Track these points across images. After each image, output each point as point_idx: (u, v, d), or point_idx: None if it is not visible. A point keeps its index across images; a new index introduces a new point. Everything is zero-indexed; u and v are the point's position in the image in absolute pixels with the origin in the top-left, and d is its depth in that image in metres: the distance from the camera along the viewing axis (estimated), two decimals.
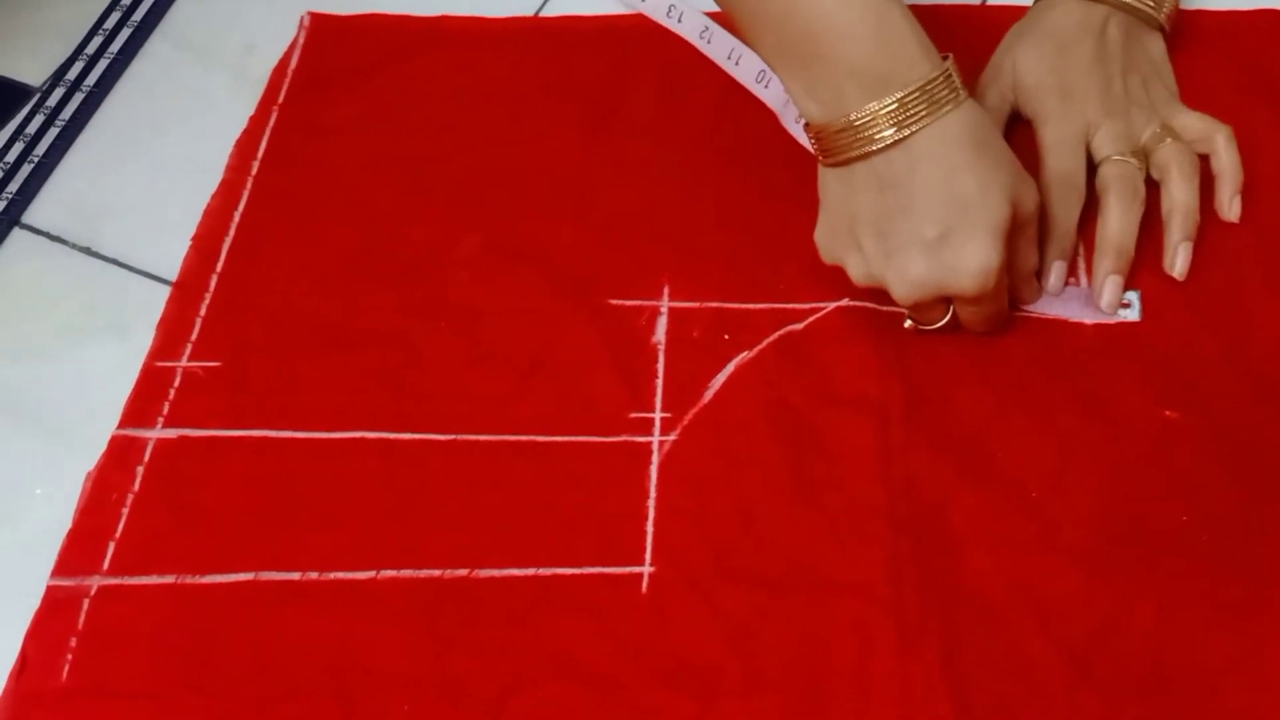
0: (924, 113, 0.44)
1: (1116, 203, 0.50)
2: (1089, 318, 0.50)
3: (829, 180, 0.47)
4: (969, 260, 0.44)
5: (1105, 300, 0.49)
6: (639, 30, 0.61)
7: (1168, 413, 0.47)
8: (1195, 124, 0.53)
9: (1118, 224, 0.50)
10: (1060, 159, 0.51)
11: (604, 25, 0.61)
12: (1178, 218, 0.50)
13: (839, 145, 0.45)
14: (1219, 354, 0.48)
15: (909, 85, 0.44)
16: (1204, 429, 0.47)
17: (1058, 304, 0.50)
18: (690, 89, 0.58)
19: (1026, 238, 0.48)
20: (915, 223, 0.44)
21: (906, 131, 0.44)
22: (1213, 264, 0.51)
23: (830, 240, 0.48)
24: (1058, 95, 0.52)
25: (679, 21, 0.60)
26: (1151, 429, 0.47)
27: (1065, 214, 0.50)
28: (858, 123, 0.44)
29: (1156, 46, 0.55)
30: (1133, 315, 0.50)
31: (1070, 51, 0.53)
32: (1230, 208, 0.52)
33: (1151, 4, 0.54)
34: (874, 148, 0.44)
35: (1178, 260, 0.50)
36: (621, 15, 0.61)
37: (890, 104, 0.44)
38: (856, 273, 0.47)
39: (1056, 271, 0.50)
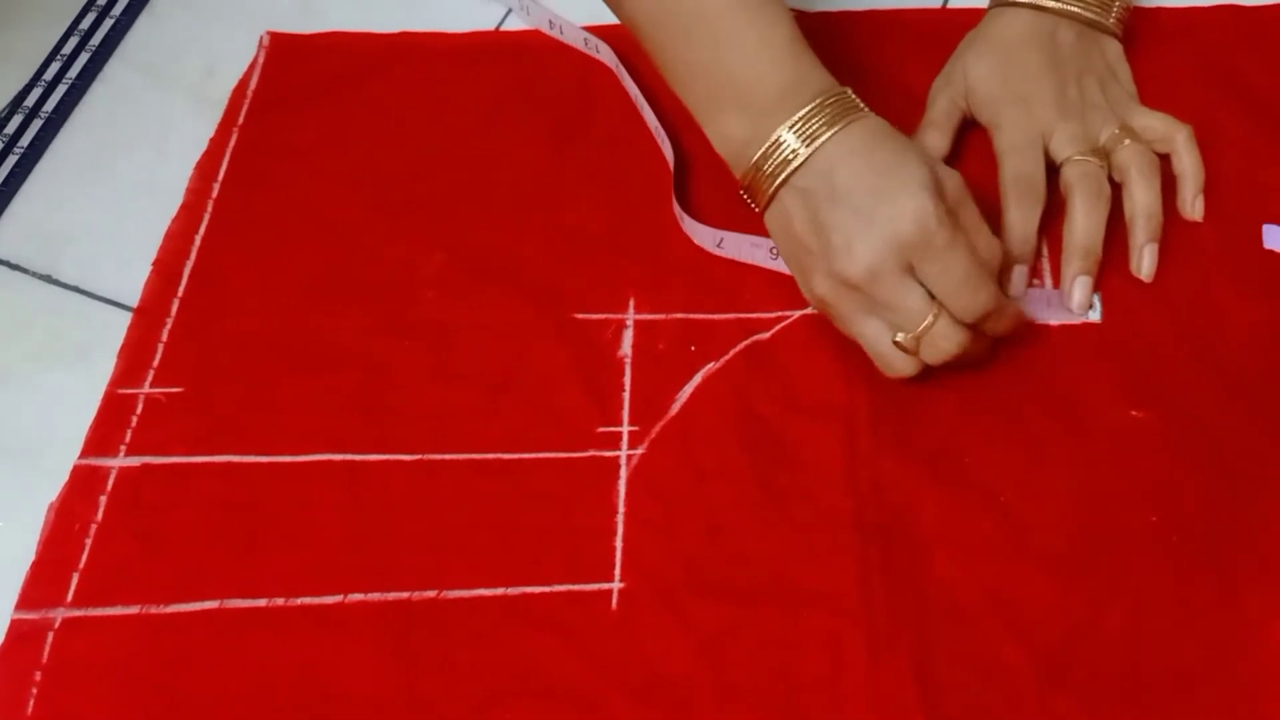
0: (826, 124, 0.45)
1: (1082, 203, 0.50)
2: (1053, 319, 0.50)
3: (774, 234, 0.48)
4: (905, 205, 0.43)
5: (1075, 301, 0.49)
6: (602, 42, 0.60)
7: (1135, 413, 0.47)
8: (1155, 124, 0.53)
9: (1084, 225, 0.50)
10: (1017, 163, 0.51)
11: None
12: (1141, 220, 0.50)
13: (760, 179, 0.46)
14: (1184, 352, 0.48)
15: (810, 103, 0.46)
16: (1171, 428, 0.47)
17: (1021, 306, 0.50)
18: (654, 101, 0.58)
19: (968, 216, 0.46)
20: (845, 203, 0.45)
21: (815, 144, 0.45)
22: (1176, 262, 0.51)
23: (801, 282, 0.48)
24: (1011, 102, 0.52)
25: (560, 33, 0.61)
26: (1119, 429, 0.47)
27: (1024, 217, 0.50)
28: (769, 147, 0.46)
29: (1112, 49, 0.55)
30: (1095, 316, 0.50)
31: (1021, 58, 0.53)
32: (1193, 207, 0.52)
33: (1098, 8, 0.54)
34: (791, 168, 0.46)
35: (1144, 263, 0.50)
36: (584, 28, 0.61)
37: (795, 120, 0.45)
38: (823, 289, 0.46)
39: (1018, 274, 0.50)
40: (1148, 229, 0.50)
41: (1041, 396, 0.48)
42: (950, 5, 0.61)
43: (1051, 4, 0.54)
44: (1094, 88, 0.53)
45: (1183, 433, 0.46)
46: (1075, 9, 0.54)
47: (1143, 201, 0.50)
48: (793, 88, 0.46)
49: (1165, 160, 0.52)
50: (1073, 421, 0.47)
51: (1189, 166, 0.52)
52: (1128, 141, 0.51)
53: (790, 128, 0.45)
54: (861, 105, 0.46)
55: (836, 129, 0.45)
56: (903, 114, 0.56)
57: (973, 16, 0.59)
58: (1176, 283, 0.50)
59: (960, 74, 0.54)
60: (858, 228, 0.44)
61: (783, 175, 0.46)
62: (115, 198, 0.57)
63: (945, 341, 0.45)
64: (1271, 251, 0.50)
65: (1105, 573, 0.44)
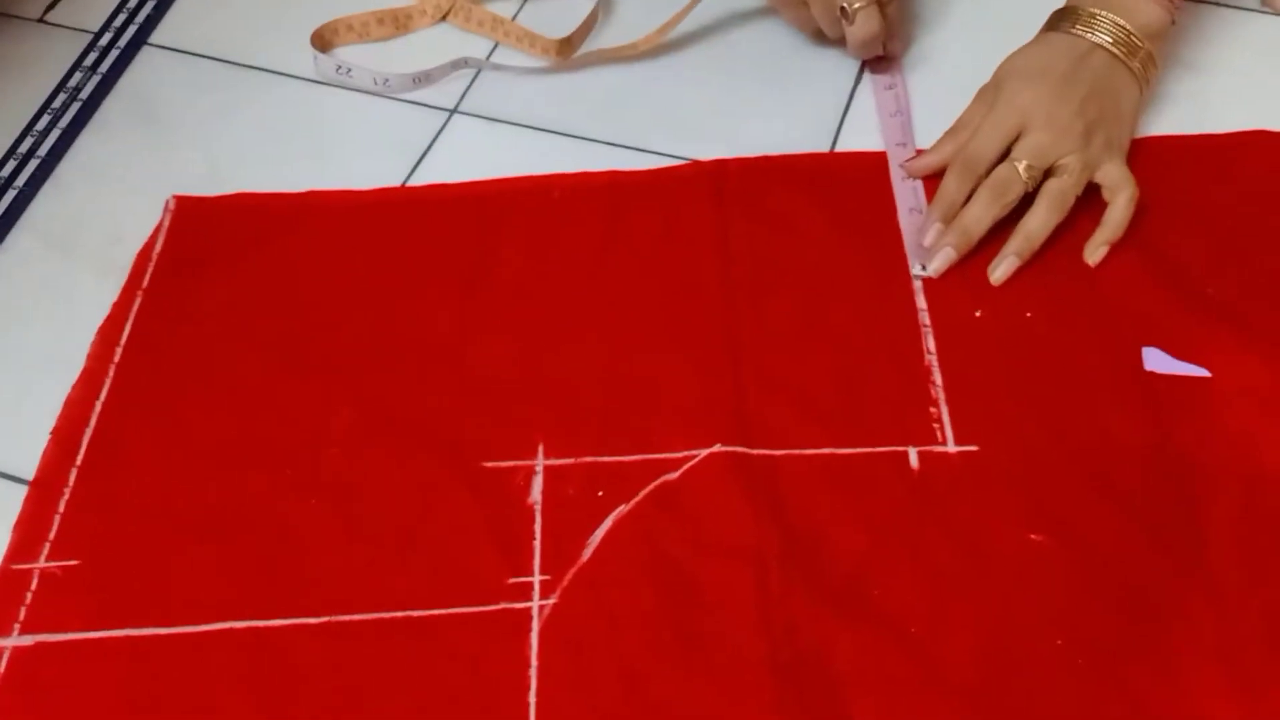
0: None
1: (983, 194, 0.56)
2: (916, 266, 0.57)
3: None
4: None
5: (933, 265, 0.56)
6: (505, 194, 0.62)
7: (1034, 536, 0.48)
8: (1114, 174, 0.57)
9: (974, 214, 0.56)
10: (983, 142, 0.57)
11: (471, 192, 0.62)
12: (1019, 237, 0.56)
13: None
14: (1074, 474, 0.49)
15: None
16: (1069, 549, 0.47)
17: (916, 246, 0.57)
18: (558, 251, 0.59)
19: None
20: None
21: None
22: (1060, 386, 0.52)
23: None
24: (1023, 81, 0.58)
25: (349, 75, 0.67)
26: (1019, 554, 0.47)
27: (957, 186, 0.57)
28: None
29: (1130, 97, 0.59)
30: (926, 272, 0.56)
31: (1050, 57, 0.59)
32: (1093, 253, 0.56)
33: (1124, 50, 0.58)
34: None
35: (1000, 267, 0.56)
36: (487, 181, 0.63)
37: None
38: None
39: (934, 231, 0.57)
40: (1019, 245, 0.56)
41: (942, 524, 0.48)
42: (838, 150, 0.63)
43: (1088, 34, 0.58)
44: (1093, 117, 0.57)
45: (1080, 553, 0.47)
46: (1105, 40, 0.58)
47: (1031, 225, 0.56)
48: None
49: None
50: (976, 549, 0.48)
51: (1113, 217, 0.56)
52: (1065, 177, 0.56)
53: None
54: None
55: None
56: (792, 250, 0.58)
57: (860, 158, 0.62)
58: (1062, 406, 0.52)
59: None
60: None
61: None
62: (13, 370, 0.56)
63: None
64: (1152, 373, 0.52)
65: (1016, 701, 0.44)
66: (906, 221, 0.58)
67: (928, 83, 0.65)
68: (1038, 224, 0.56)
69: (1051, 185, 0.56)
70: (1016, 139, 0.57)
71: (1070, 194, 0.56)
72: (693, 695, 0.45)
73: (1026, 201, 0.57)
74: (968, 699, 0.44)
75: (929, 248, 0.56)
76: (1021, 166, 0.56)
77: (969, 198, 0.57)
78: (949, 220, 0.56)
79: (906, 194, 0.60)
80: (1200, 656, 0.44)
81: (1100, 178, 0.57)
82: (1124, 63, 0.58)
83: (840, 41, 0.65)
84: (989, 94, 0.59)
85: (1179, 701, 0.43)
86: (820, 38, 0.67)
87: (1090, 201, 0.57)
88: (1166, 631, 0.45)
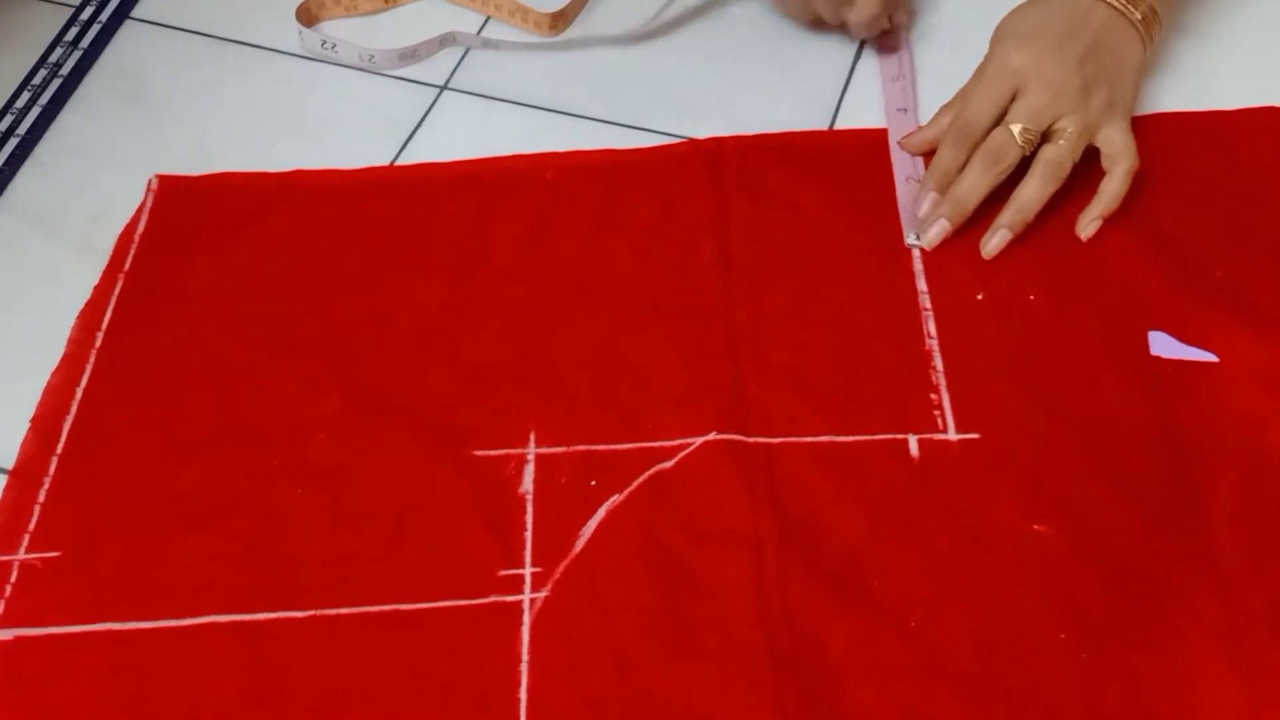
0: None
1: (977, 162, 0.55)
2: (910, 236, 0.55)
3: None
4: None
5: (927, 237, 0.55)
6: (497, 174, 0.61)
7: (1036, 527, 0.47)
8: (1115, 140, 0.55)
9: (968, 183, 0.55)
10: (976, 107, 0.55)
11: (461, 171, 0.61)
12: (1012, 208, 0.54)
13: None
14: (1078, 461, 0.48)
15: None
16: (1072, 540, 0.46)
17: (912, 216, 0.56)
18: (551, 233, 0.58)
19: None
20: None
21: None
22: (1063, 370, 0.51)
23: None
24: (1016, 42, 0.56)
25: (335, 50, 0.66)
26: (1022, 544, 0.46)
27: (951, 154, 0.55)
28: None
29: (1132, 54, 0.57)
30: (920, 242, 0.55)
31: (1050, 16, 0.56)
32: (1086, 227, 0.55)
33: (1125, 2, 0.56)
34: None
35: (992, 240, 0.54)
36: (478, 160, 0.61)
37: None
38: None
39: (930, 201, 0.55)
40: (1012, 217, 0.54)
41: (945, 515, 0.47)
42: (837, 127, 0.62)
43: None
44: (1092, 76, 0.55)
45: (1083, 544, 0.46)
46: None
47: (1024, 195, 0.54)
48: None
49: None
50: (976, 539, 0.47)
51: (1108, 192, 0.55)
52: (1061, 142, 0.54)
53: None
54: None
55: None
56: (791, 231, 0.57)
57: (859, 136, 0.60)
58: (1065, 393, 0.50)
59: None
60: None
61: None
62: None
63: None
64: (1157, 358, 0.51)
65: (1017, 694, 0.43)
66: (903, 190, 0.57)
67: (934, 58, 0.64)
68: (1031, 194, 0.54)
69: (1046, 153, 0.54)
70: (1012, 102, 0.55)
71: (1066, 161, 0.54)
72: (689, 684, 0.44)
73: (1025, 167, 0.55)
74: (967, 687, 0.43)
75: (923, 218, 0.55)
76: (1017, 130, 0.54)
77: (966, 165, 0.55)
78: (944, 190, 0.55)
79: (904, 162, 0.58)
80: (1204, 644, 0.44)
81: (1100, 142, 0.55)
82: (1125, 16, 0.56)
83: (841, 26, 0.63)
84: (998, 34, 0.57)
85: (1182, 688, 0.43)
86: (819, 25, 0.65)
87: (1094, 175, 0.56)
88: (1170, 619, 0.44)
